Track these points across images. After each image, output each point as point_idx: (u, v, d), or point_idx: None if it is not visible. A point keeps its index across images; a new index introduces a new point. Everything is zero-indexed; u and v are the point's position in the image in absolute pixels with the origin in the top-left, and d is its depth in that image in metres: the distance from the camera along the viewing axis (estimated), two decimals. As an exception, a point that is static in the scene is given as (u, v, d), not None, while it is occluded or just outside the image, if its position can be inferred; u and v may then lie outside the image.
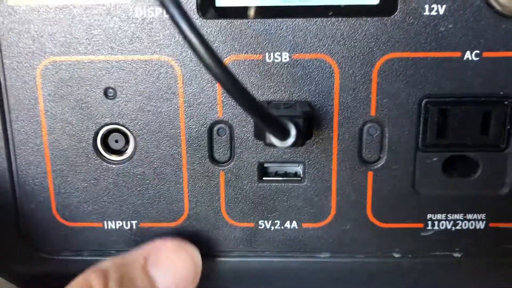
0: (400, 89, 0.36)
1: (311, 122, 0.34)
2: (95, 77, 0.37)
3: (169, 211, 0.39)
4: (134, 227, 0.40)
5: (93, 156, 0.39)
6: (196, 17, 0.36)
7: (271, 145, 0.32)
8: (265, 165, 0.39)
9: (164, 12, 0.35)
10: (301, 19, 0.36)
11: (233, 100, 0.29)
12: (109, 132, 0.39)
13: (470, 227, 0.39)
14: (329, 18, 0.35)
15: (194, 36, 0.27)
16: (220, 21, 0.36)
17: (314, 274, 0.40)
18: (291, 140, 0.29)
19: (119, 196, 0.39)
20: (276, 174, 0.39)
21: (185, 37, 0.27)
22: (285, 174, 0.39)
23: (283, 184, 0.39)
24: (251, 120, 0.37)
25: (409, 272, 0.40)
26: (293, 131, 0.29)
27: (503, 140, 0.37)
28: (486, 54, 0.35)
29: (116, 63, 0.37)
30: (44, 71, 0.37)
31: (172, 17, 0.27)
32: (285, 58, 0.36)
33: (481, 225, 0.39)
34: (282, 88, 0.37)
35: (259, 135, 0.33)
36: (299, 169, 0.39)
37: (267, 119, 0.28)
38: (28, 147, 0.39)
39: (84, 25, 0.36)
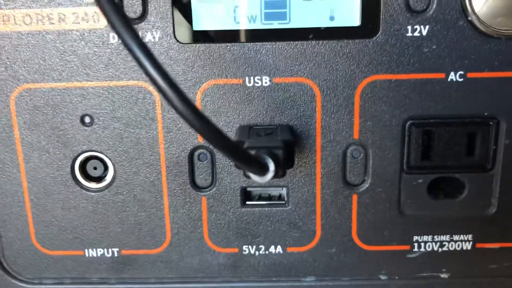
0: (383, 111, 0.36)
1: (292, 151, 0.33)
2: (70, 104, 0.36)
3: (151, 238, 0.39)
4: (116, 254, 0.39)
5: (71, 184, 0.38)
6: (173, 42, 0.35)
7: (250, 177, 0.31)
8: (248, 189, 0.38)
9: (145, 35, 0.34)
10: (281, 42, 0.35)
11: (211, 145, 0.28)
12: (88, 159, 0.38)
13: (457, 248, 0.38)
14: (309, 41, 0.35)
15: (156, 74, 0.25)
16: (197, 45, 0.35)
17: (300, 297, 0.39)
18: (269, 176, 0.29)
19: (99, 224, 0.39)
20: (260, 197, 0.39)
21: (146, 73, 0.25)
22: (269, 197, 0.39)
23: (267, 209, 0.38)
24: (233, 144, 0.36)
25: (396, 294, 0.39)
26: (271, 167, 0.28)
27: (488, 161, 0.36)
28: (470, 75, 0.35)
29: (92, 89, 0.36)
30: (18, 99, 0.36)
31: (127, 47, 0.25)
32: (266, 82, 0.35)
33: (468, 246, 0.38)
34: (263, 112, 0.36)
35: (239, 167, 0.33)
36: (283, 192, 0.38)
37: (243, 159, 0.27)
38: (4, 176, 0.38)
39: (58, 51, 0.35)
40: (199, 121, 0.24)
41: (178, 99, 0.24)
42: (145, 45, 0.24)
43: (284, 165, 0.31)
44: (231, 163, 0.37)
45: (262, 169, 0.28)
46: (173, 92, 0.24)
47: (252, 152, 0.30)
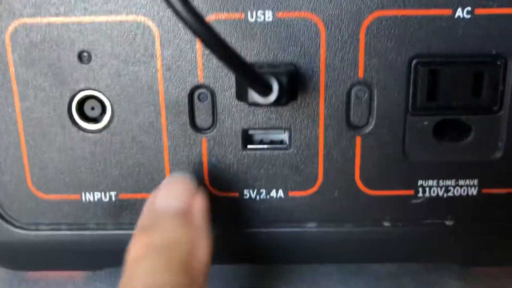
0: (389, 49, 0.35)
1: (295, 81, 0.32)
2: (68, 40, 0.35)
3: (150, 181, 0.38)
4: (113, 198, 0.38)
5: (68, 125, 0.37)
6: (173, -26, 0.34)
7: (254, 104, 0.30)
8: (250, 132, 0.37)
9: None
10: (285, -26, 0.34)
11: (213, 55, 0.27)
12: (85, 98, 0.37)
13: (463, 194, 0.37)
14: (314, -27, 0.34)
15: None
16: (198, -22, 0.34)
17: (301, 244, 0.39)
18: (273, 96, 0.28)
19: (97, 166, 0.38)
20: (262, 142, 0.38)
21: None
22: (271, 142, 0.38)
23: (268, 152, 0.37)
24: (233, 85, 0.35)
25: (400, 241, 0.38)
26: (275, 86, 0.27)
27: (496, 102, 0.35)
28: (478, 11, 0.34)
29: (90, 25, 0.35)
30: (14, 34, 0.35)
31: None
32: (268, 17, 0.34)
33: (473, 191, 0.37)
34: (266, 49, 0.35)
35: (241, 95, 0.32)
36: (285, 136, 0.37)
37: (248, 73, 0.27)
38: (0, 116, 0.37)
39: (55, -16, 0.34)
40: (203, 29, 0.23)
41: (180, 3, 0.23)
42: None
43: (287, 92, 0.30)
44: (233, 103, 0.36)
45: (266, 87, 0.27)
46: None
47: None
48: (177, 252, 0.29)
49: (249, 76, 0.27)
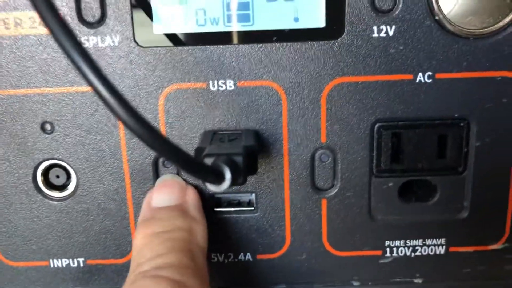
0: (351, 114, 0.35)
1: (255, 157, 0.32)
2: (30, 111, 0.35)
3: (117, 247, 0.38)
4: (81, 264, 0.38)
5: (33, 193, 0.37)
6: (133, 46, 0.34)
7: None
8: (217, 195, 0.37)
9: (104, 40, 0.33)
10: (245, 45, 0.34)
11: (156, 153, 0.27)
12: (50, 167, 0.37)
13: (430, 253, 0.37)
14: (273, 43, 0.34)
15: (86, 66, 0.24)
16: (159, 48, 0.34)
17: (271, 306, 0.39)
18: (226, 185, 0.28)
19: (64, 234, 0.38)
20: (230, 203, 0.38)
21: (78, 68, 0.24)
22: (239, 204, 0.38)
23: (235, 215, 0.37)
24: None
25: (370, 300, 0.39)
26: (227, 175, 0.27)
27: (460, 163, 0.36)
28: (439, 76, 0.34)
29: (51, 95, 0.35)
30: (-24, 106, 0.35)
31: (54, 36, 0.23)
32: (230, 86, 0.34)
33: (441, 250, 0.37)
34: (229, 116, 0.35)
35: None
36: (252, 197, 0.37)
37: (195, 168, 0.26)
38: (-36, 186, 0.37)
39: (15, 57, 0.34)
40: (143, 130, 0.23)
41: (117, 103, 0.23)
42: (83, 49, 0.23)
43: (245, 172, 0.30)
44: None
45: (217, 178, 0.27)
46: (113, 97, 0.23)
47: (211, 159, 0.29)
48: (178, 237, 0.32)
49: (198, 171, 0.27)
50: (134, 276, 0.30)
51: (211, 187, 0.28)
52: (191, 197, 0.35)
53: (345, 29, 0.33)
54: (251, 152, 0.31)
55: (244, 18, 0.34)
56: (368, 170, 0.36)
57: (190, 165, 0.26)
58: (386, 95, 0.34)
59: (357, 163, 0.36)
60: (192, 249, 0.32)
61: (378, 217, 0.37)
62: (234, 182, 0.28)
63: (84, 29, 0.34)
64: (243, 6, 0.34)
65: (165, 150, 0.24)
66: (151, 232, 0.32)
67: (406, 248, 0.37)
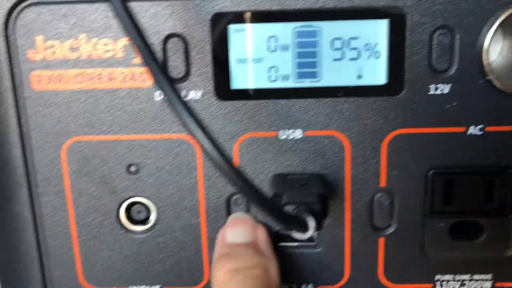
0: (408, 162, 0.38)
1: (326, 203, 0.36)
2: (118, 155, 0.39)
3: (190, 276, 0.42)
4: (157, 291, 0.42)
5: (117, 227, 0.41)
6: (213, 99, 0.38)
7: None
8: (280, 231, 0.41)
9: (187, 94, 0.38)
10: (312, 99, 0.37)
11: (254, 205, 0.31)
12: (132, 204, 0.41)
13: (477, 287, 0.41)
14: (339, 98, 0.37)
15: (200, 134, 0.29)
16: (235, 102, 0.38)
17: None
18: (310, 233, 0.31)
19: (142, 263, 0.41)
20: (290, 239, 0.41)
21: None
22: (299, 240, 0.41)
23: (297, 250, 0.41)
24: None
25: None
26: (311, 224, 0.31)
27: (506, 206, 0.39)
28: (489, 129, 0.37)
29: (138, 141, 0.39)
30: (69, 150, 0.39)
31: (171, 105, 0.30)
32: (298, 135, 0.38)
33: (487, 285, 0.41)
34: (296, 162, 0.39)
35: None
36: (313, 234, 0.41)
37: (285, 219, 0.30)
38: (55, 219, 0.41)
39: (107, 106, 0.38)
40: (239, 180, 0.27)
41: (222, 161, 0.27)
42: (186, 104, 0.27)
43: (320, 218, 0.34)
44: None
45: (302, 227, 0.31)
46: (217, 153, 0.27)
47: (291, 207, 0.33)
48: (257, 275, 0.35)
49: (287, 221, 0.31)
50: None
51: (297, 235, 0.32)
52: (262, 234, 0.39)
53: (405, 86, 0.37)
54: (324, 198, 0.35)
55: (311, 75, 0.38)
56: (422, 211, 0.39)
57: (280, 215, 0.30)
58: (440, 145, 0.38)
59: (413, 205, 0.39)
60: (270, 286, 0.35)
61: (430, 253, 0.40)
62: (317, 229, 0.32)
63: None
64: (311, 65, 0.38)
65: (259, 200, 0.28)
66: (232, 268, 0.35)
67: (455, 282, 0.41)
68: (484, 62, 0.36)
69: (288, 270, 0.41)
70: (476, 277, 0.41)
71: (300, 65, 0.37)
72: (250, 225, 0.39)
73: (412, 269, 0.41)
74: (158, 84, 0.30)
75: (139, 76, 0.38)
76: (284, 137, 0.38)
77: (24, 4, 0.37)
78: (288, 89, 0.38)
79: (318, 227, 0.33)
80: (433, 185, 0.38)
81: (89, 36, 0.37)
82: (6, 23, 0.37)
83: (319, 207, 0.34)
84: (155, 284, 0.42)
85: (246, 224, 0.39)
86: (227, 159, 0.28)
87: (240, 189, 0.29)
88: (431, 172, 0.38)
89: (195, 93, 0.38)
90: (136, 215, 0.41)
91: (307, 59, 0.37)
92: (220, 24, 0.37)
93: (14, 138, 0.39)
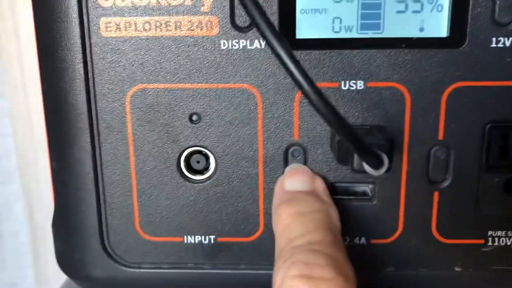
0: (466, 115, 0.39)
1: (393, 149, 0.37)
2: (181, 104, 0.40)
3: (246, 227, 0.42)
4: (212, 241, 0.43)
5: (176, 176, 0.42)
6: (278, 49, 0.39)
7: (359, 171, 0.34)
8: (336, 184, 0.42)
9: (252, 43, 0.38)
10: (375, 50, 0.38)
11: (336, 133, 0.31)
12: (192, 153, 0.42)
13: (530, 244, 0.41)
14: (401, 49, 0.38)
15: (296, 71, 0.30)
16: (299, 51, 0.39)
17: (379, 287, 0.43)
18: (384, 169, 0.32)
19: (199, 213, 0.42)
20: (345, 192, 0.42)
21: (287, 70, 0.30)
22: (354, 193, 0.42)
23: (353, 203, 0.41)
24: (324, 143, 0.40)
25: (470, 285, 0.42)
26: (386, 161, 0.32)
27: (561, 162, 0.40)
28: (549, 83, 0.38)
29: (201, 90, 0.40)
30: (133, 98, 0.40)
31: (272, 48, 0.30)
32: (360, 86, 0.39)
33: (540, 241, 0.41)
34: (356, 114, 0.40)
35: (344, 160, 0.36)
36: (366, 188, 0.42)
37: (366, 151, 0.31)
38: (115, 168, 0.42)
39: (173, 55, 0.39)
40: (336, 118, 0.28)
41: (315, 94, 0.28)
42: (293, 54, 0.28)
43: (391, 162, 0.34)
44: (323, 160, 0.40)
45: (378, 162, 0.32)
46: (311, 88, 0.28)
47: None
48: (320, 217, 0.36)
49: (367, 154, 0.32)
50: (289, 250, 0.33)
51: (371, 171, 0.33)
52: (320, 184, 0.40)
53: (467, 39, 0.38)
54: (393, 145, 0.36)
55: (375, 26, 0.38)
56: (477, 166, 0.40)
57: (362, 147, 0.31)
58: (499, 99, 0.39)
59: (468, 159, 0.40)
60: (332, 228, 0.36)
61: (483, 209, 0.41)
62: (387, 169, 0.33)
63: (236, 33, 0.39)
64: (375, 16, 0.38)
65: (347, 133, 0.29)
66: (296, 211, 0.36)
67: (507, 238, 0.41)
68: (547, 15, 0.37)
69: (342, 223, 0.42)
70: (528, 233, 0.41)
71: (363, 16, 0.38)
72: (309, 175, 0.40)
73: (465, 224, 0.41)
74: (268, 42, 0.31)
75: (206, 24, 0.39)
76: (346, 87, 0.39)
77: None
78: (351, 39, 0.38)
79: (389, 169, 0.34)
80: (490, 139, 0.39)
81: (160, -17, 0.38)
82: (78, -32, 0.38)
83: (389, 151, 0.35)
84: (210, 234, 0.43)
85: (305, 173, 0.40)
86: (324, 98, 0.30)
87: (332, 123, 0.30)
88: (488, 125, 0.39)
89: (259, 42, 0.39)
90: (195, 164, 0.42)
91: (371, 10, 0.38)
92: (287, -26, 0.38)
93: (80, 84, 0.40)
